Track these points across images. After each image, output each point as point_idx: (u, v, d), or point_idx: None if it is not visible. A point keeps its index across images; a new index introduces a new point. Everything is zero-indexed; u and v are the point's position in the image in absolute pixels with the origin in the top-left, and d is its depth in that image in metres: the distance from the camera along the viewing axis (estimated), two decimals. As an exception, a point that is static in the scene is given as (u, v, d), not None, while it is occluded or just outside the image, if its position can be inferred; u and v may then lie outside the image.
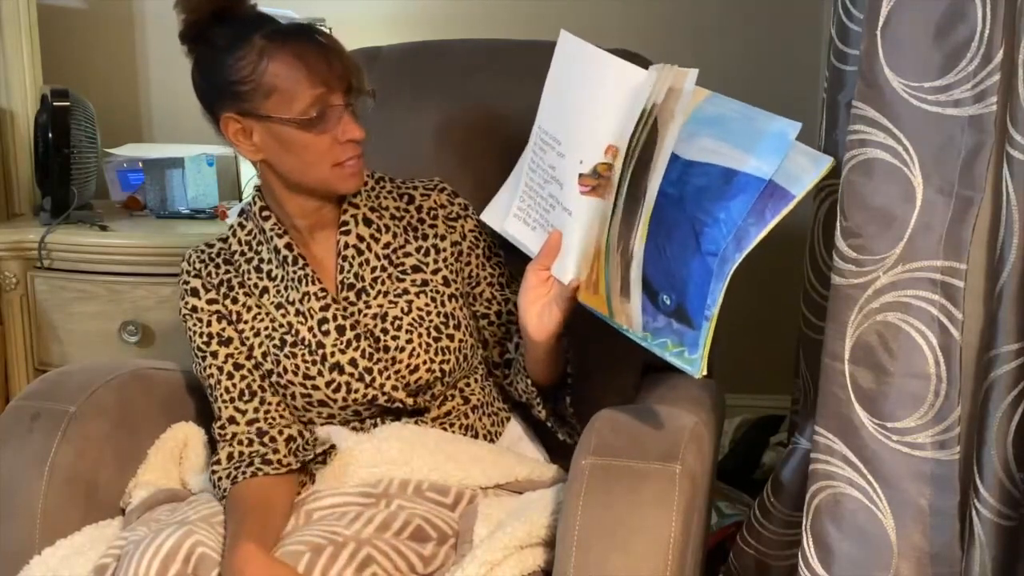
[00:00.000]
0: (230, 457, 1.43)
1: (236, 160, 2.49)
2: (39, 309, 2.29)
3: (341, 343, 1.45)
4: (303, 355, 1.45)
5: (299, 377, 1.45)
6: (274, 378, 1.47)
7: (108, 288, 2.25)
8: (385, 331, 1.46)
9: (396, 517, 1.34)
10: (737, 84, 2.46)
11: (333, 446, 1.46)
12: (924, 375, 1.28)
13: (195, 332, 1.48)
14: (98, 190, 2.51)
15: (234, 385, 1.46)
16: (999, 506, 1.24)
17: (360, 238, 1.48)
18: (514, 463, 1.49)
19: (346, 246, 1.48)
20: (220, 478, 1.41)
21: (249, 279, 1.49)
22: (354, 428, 1.49)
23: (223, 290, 1.49)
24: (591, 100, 1.24)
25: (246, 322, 1.48)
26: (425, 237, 1.52)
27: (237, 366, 1.47)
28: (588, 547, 1.23)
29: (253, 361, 1.47)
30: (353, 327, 1.45)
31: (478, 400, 1.55)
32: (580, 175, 1.27)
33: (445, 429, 1.52)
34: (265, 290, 1.48)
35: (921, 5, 1.23)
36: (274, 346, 1.46)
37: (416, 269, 1.50)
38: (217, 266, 1.50)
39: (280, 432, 1.45)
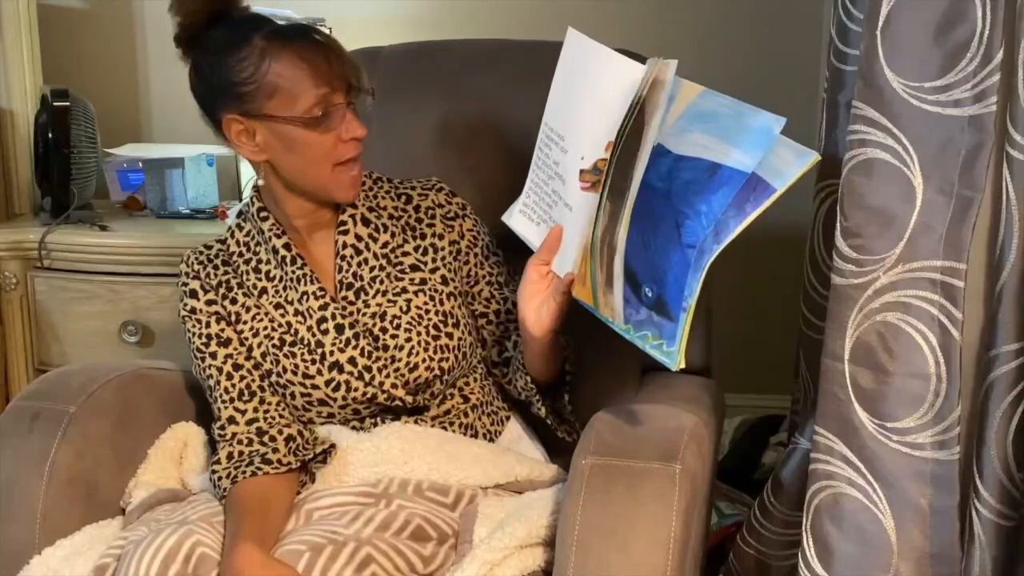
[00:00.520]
0: (230, 457, 1.43)
1: (236, 160, 2.49)
2: (39, 309, 2.29)
3: (340, 342, 1.45)
4: (302, 354, 1.45)
5: (298, 376, 1.45)
6: (273, 378, 1.47)
7: (108, 288, 2.25)
8: (384, 330, 1.46)
9: (396, 517, 1.34)
10: (737, 84, 2.46)
11: (333, 445, 1.46)
12: (924, 375, 1.28)
13: (194, 333, 1.48)
14: (98, 190, 2.51)
15: (233, 385, 1.46)
16: (999, 506, 1.24)
17: (358, 238, 1.48)
18: (514, 463, 1.49)
19: (344, 246, 1.48)
20: (220, 478, 1.42)
21: (248, 280, 1.49)
22: (354, 427, 1.50)
23: (222, 291, 1.49)
24: (594, 97, 1.24)
25: (245, 322, 1.48)
26: (423, 236, 1.52)
27: (236, 366, 1.47)
28: (588, 547, 1.23)
29: (252, 361, 1.47)
30: (352, 326, 1.46)
31: (477, 399, 1.56)
32: (581, 171, 1.27)
33: (445, 428, 1.52)
34: (264, 290, 1.48)
35: (921, 5, 1.23)
36: (273, 346, 1.46)
37: (414, 268, 1.50)
38: (216, 267, 1.50)
39: (280, 432, 1.45)
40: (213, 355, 1.47)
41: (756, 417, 2.53)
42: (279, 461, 1.42)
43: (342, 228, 1.48)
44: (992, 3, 1.19)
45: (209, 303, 1.48)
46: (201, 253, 1.52)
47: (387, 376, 1.45)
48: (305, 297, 1.46)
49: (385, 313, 1.46)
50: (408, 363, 1.45)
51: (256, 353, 1.47)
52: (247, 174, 2.48)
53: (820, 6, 2.47)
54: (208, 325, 1.48)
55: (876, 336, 1.30)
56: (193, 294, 1.49)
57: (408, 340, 1.45)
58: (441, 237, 1.52)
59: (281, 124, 1.37)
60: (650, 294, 1.20)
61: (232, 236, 1.52)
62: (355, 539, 1.29)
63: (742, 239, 1.16)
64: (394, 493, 1.39)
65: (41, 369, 2.27)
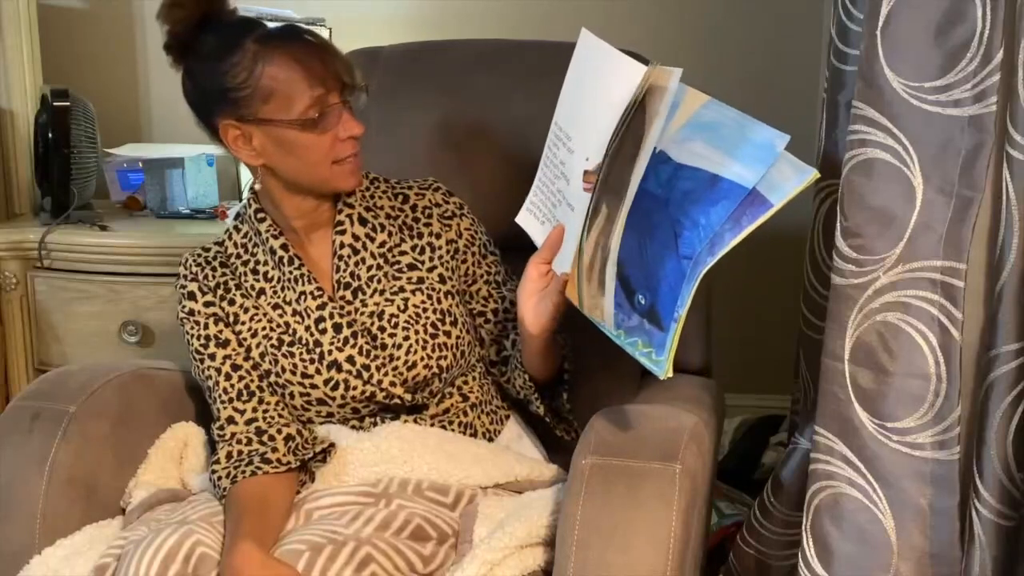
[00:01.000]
0: (229, 456, 1.43)
1: (236, 160, 2.48)
2: (39, 309, 2.29)
3: (338, 341, 1.45)
4: (301, 354, 1.45)
5: (297, 376, 1.45)
6: (272, 378, 1.47)
7: (108, 288, 2.25)
8: (382, 329, 1.46)
9: (396, 516, 1.34)
10: (737, 84, 2.47)
11: (332, 444, 1.46)
12: (924, 375, 1.28)
13: (193, 335, 1.49)
14: (98, 190, 2.51)
15: (232, 386, 1.47)
16: (999, 506, 1.24)
17: (356, 237, 1.48)
18: (514, 462, 1.49)
19: (342, 245, 1.48)
20: (220, 477, 1.42)
21: (246, 281, 1.49)
22: (353, 427, 1.50)
23: (220, 292, 1.49)
24: (601, 99, 1.24)
25: (243, 323, 1.48)
26: (420, 236, 1.52)
27: (235, 367, 1.47)
28: (588, 547, 1.23)
29: (251, 362, 1.48)
30: (350, 325, 1.46)
31: (477, 398, 1.56)
32: (585, 172, 1.27)
33: (444, 427, 1.52)
34: (262, 291, 1.49)
35: (921, 5, 1.23)
36: (272, 346, 1.46)
37: (412, 267, 1.50)
38: (214, 269, 1.50)
39: (279, 431, 1.45)
40: (212, 356, 1.47)
41: (756, 417, 2.53)
42: (278, 460, 1.42)
43: (339, 228, 1.48)
44: (992, 3, 1.19)
45: (207, 305, 1.48)
46: (199, 255, 1.52)
47: (385, 375, 1.45)
48: (303, 297, 1.46)
49: (383, 312, 1.47)
50: (406, 361, 1.45)
51: (255, 353, 1.47)
52: (247, 174, 2.47)
53: (820, 6, 2.47)
54: (206, 327, 1.48)
55: (876, 336, 1.30)
56: (191, 296, 1.49)
57: (406, 339, 1.46)
58: (438, 236, 1.52)
59: (278, 127, 1.37)
60: (643, 301, 1.20)
61: (230, 238, 1.52)
62: (355, 539, 1.29)
63: (742, 239, 1.16)
64: (394, 493, 1.39)
65: (41, 369, 2.27)
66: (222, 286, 1.49)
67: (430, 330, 1.47)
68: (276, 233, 1.48)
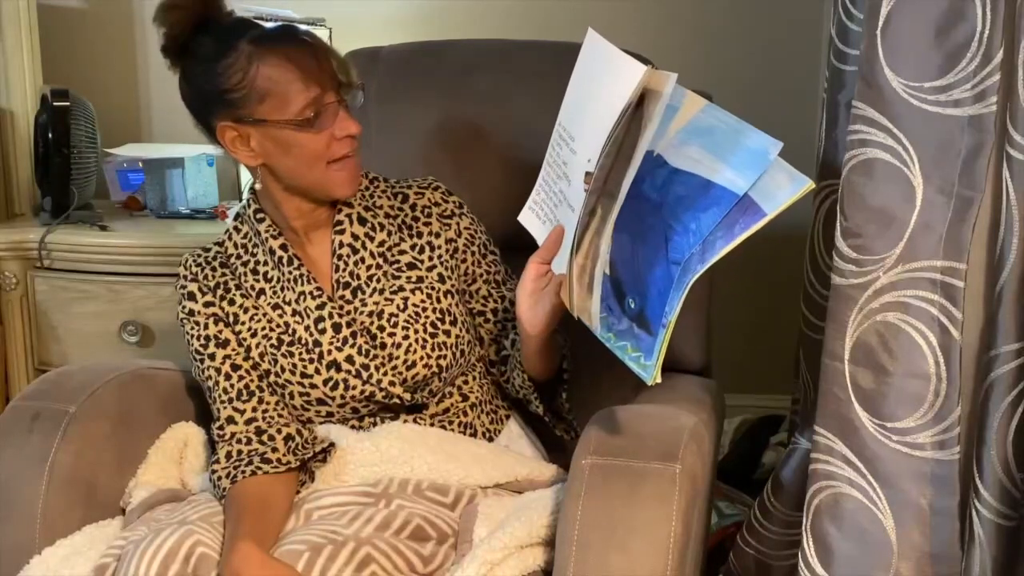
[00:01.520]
0: (229, 456, 1.43)
1: (235, 161, 2.49)
2: (39, 309, 2.29)
3: (337, 341, 1.45)
4: (300, 354, 1.45)
5: (297, 376, 1.45)
6: (272, 378, 1.47)
7: (108, 288, 2.25)
8: (381, 328, 1.46)
9: (396, 516, 1.34)
10: (737, 84, 2.47)
11: (332, 444, 1.46)
12: (924, 375, 1.28)
13: (193, 335, 1.49)
14: (98, 190, 2.51)
15: (232, 386, 1.47)
16: (999, 506, 1.24)
17: (355, 237, 1.48)
18: (514, 462, 1.49)
19: (341, 245, 1.48)
20: (220, 477, 1.42)
21: (246, 281, 1.49)
22: (353, 427, 1.50)
23: (219, 292, 1.49)
24: (603, 100, 1.24)
25: (243, 323, 1.48)
26: (420, 235, 1.52)
27: (235, 367, 1.47)
28: (588, 547, 1.23)
29: (251, 362, 1.48)
30: (349, 325, 1.46)
31: (477, 398, 1.56)
32: (586, 173, 1.27)
33: (444, 427, 1.52)
34: (262, 291, 1.49)
35: (921, 5, 1.23)
36: (271, 346, 1.46)
37: (411, 266, 1.50)
38: (213, 269, 1.50)
39: (278, 431, 1.45)
40: (212, 356, 1.47)
41: (756, 417, 2.53)
42: (278, 460, 1.42)
43: (338, 228, 1.48)
44: (992, 3, 1.19)
45: (207, 305, 1.49)
46: (199, 256, 1.52)
47: (385, 374, 1.45)
48: (302, 297, 1.46)
49: (382, 311, 1.47)
50: (406, 361, 1.45)
51: (254, 354, 1.47)
52: (247, 174, 2.47)
53: (820, 6, 2.47)
54: (206, 327, 1.48)
55: (876, 336, 1.30)
56: (191, 296, 1.49)
57: (405, 338, 1.46)
58: (438, 235, 1.53)
59: (274, 127, 1.37)
60: (633, 305, 1.20)
61: (229, 239, 1.53)
62: (355, 539, 1.29)
63: (734, 247, 1.15)
64: (394, 493, 1.39)
65: (41, 369, 2.27)
66: (222, 286, 1.49)
67: (429, 329, 1.47)
68: (275, 233, 1.48)
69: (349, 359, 1.45)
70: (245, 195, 1.54)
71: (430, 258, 1.51)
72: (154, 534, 1.29)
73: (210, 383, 1.48)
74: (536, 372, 1.46)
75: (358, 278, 1.48)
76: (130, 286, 2.24)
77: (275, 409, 1.47)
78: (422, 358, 1.46)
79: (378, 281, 1.48)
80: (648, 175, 1.19)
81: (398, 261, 1.50)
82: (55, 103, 2.30)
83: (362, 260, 1.48)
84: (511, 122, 1.73)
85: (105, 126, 2.52)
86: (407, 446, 1.44)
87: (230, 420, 1.46)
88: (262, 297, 1.49)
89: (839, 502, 1.35)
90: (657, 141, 1.18)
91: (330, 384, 1.45)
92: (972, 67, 1.21)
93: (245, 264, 1.50)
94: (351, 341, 1.45)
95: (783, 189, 1.10)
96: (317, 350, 1.45)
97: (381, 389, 1.45)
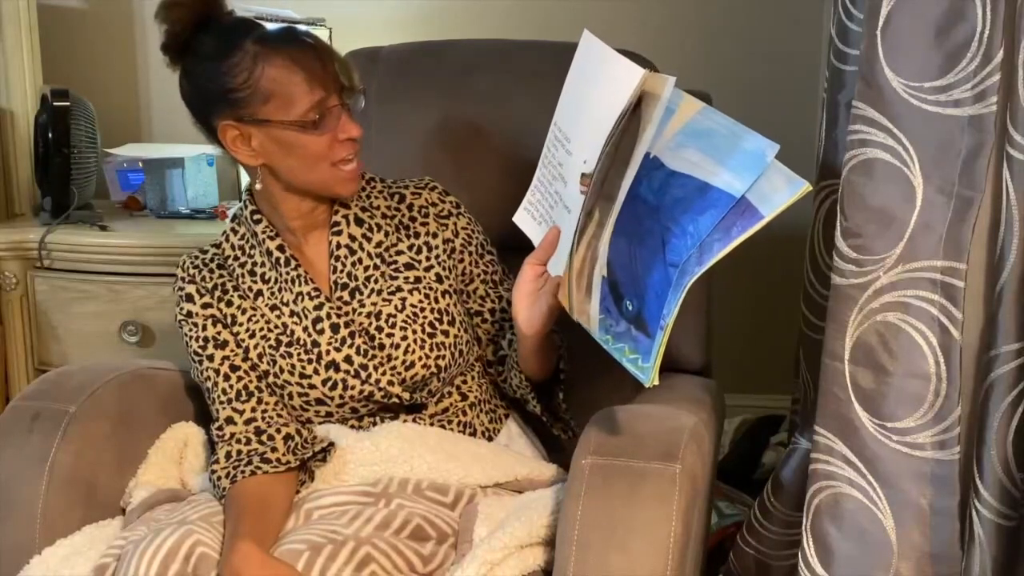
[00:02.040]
0: (228, 456, 1.43)
1: (236, 162, 2.49)
2: (39, 309, 2.29)
3: (336, 341, 1.45)
4: (299, 354, 1.45)
5: (295, 376, 1.45)
6: (271, 379, 1.47)
7: (108, 288, 2.25)
8: (380, 328, 1.46)
9: (396, 516, 1.34)
10: (737, 84, 2.47)
11: (332, 444, 1.46)
12: (924, 375, 1.28)
13: (191, 337, 1.49)
14: (98, 190, 2.51)
15: (231, 386, 1.47)
16: (999, 506, 1.24)
17: (352, 238, 1.48)
18: (514, 462, 1.49)
19: (338, 246, 1.48)
20: (219, 477, 1.42)
21: (243, 282, 1.49)
22: (352, 427, 1.50)
23: (217, 294, 1.49)
24: (600, 101, 1.24)
25: (241, 324, 1.48)
26: (417, 235, 1.52)
27: (233, 368, 1.47)
28: (588, 547, 1.23)
29: (249, 363, 1.48)
30: (347, 325, 1.46)
31: (476, 397, 1.56)
32: (582, 175, 1.27)
33: (443, 426, 1.52)
34: (259, 292, 1.49)
35: (921, 5, 1.23)
36: (270, 347, 1.46)
37: (409, 267, 1.50)
38: (211, 271, 1.50)
39: (278, 431, 1.45)
40: (210, 357, 1.48)
41: (756, 417, 2.53)
42: (278, 460, 1.42)
43: (335, 228, 1.48)
44: (992, 3, 1.19)
45: (205, 306, 1.49)
46: (196, 258, 1.52)
47: (383, 374, 1.45)
48: (300, 298, 1.46)
49: (380, 312, 1.47)
50: (404, 361, 1.45)
51: (253, 354, 1.47)
52: (247, 174, 2.48)
53: (820, 6, 2.47)
54: (204, 328, 1.48)
55: (876, 336, 1.30)
56: (189, 298, 1.49)
57: (404, 338, 1.46)
58: (435, 236, 1.53)
59: (277, 128, 1.37)
60: (631, 307, 1.20)
61: (227, 240, 1.53)
62: (354, 538, 1.29)
63: (732, 250, 1.15)
64: (394, 492, 1.39)
65: (41, 369, 2.27)
66: (219, 288, 1.49)
67: (428, 329, 1.47)
68: (272, 234, 1.48)
69: (348, 359, 1.45)
70: (242, 197, 1.54)
71: (427, 258, 1.51)
72: (154, 534, 1.29)
73: (209, 384, 1.48)
74: (533, 372, 1.46)
75: (356, 279, 1.48)
76: (130, 286, 2.24)
77: (274, 409, 1.47)
78: (420, 358, 1.46)
79: (376, 282, 1.48)
80: (645, 177, 1.19)
81: (396, 261, 1.50)
82: (55, 103, 2.30)
83: (360, 261, 1.48)
84: (511, 122, 1.73)
85: (105, 126, 2.52)
86: (407, 445, 1.44)
87: (229, 420, 1.46)
88: (260, 298, 1.49)
89: (839, 502, 1.35)
90: (654, 143, 1.18)
91: (329, 384, 1.45)
92: (972, 67, 1.21)
93: (243, 265, 1.50)
94: (349, 341, 1.45)
95: (780, 192, 1.10)
96: (316, 350, 1.45)
97: (380, 389, 1.45)
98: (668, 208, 1.17)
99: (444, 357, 1.48)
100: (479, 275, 1.55)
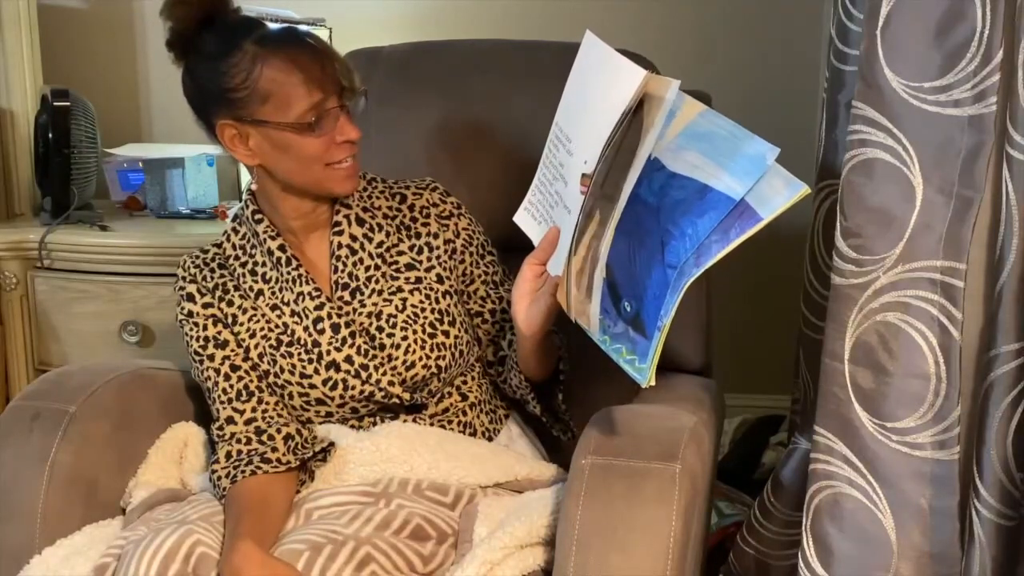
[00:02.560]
0: (228, 456, 1.43)
1: (236, 160, 2.49)
2: (39, 309, 2.29)
3: (336, 341, 1.45)
4: (299, 354, 1.45)
5: (296, 376, 1.45)
6: (271, 379, 1.47)
7: (108, 288, 2.25)
8: (380, 328, 1.46)
9: (396, 516, 1.34)
10: (738, 84, 2.47)
11: (332, 444, 1.46)
12: (924, 375, 1.28)
13: (192, 336, 1.49)
14: (98, 190, 2.51)
15: (231, 386, 1.47)
16: (999, 506, 1.24)
17: (353, 238, 1.48)
18: (514, 462, 1.49)
19: (339, 246, 1.48)
20: (220, 477, 1.42)
21: (244, 282, 1.49)
22: (353, 426, 1.50)
23: (218, 294, 1.49)
24: (601, 102, 1.24)
25: (242, 324, 1.48)
26: (418, 236, 1.52)
27: (234, 367, 1.47)
28: (588, 546, 1.23)
29: (250, 363, 1.48)
30: (348, 325, 1.46)
31: (476, 397, 1.56)
32: (583, 175, 1.27)
33: (443, 427, 1.52)
34: (260, 292, 1.49)
35: (921, 5, 1.23)
36: (270, 347, 1.46)
37: (410, 267, 1.50)
38: (212, 271, 1.50)
39: (278, 431, 1.45)
40: (211, 357, 1.48)
41: (756, 417, 2.53)
42: (278, 460, 1.42)
43: (337, 228, 1.48)
44: (992, 3, 1.20)
45: (206, 306, 1.49)
46: (197, 257, 1.52)
47: (384, 374, 1.45)
48: (301, 298, 1.46)
49: (381, 312, 1.47)
50: (405, 361, 1.45)
51: (253, 354, 1.47)
52: (247, 174, 2.48)
53: (820, 6, 2.47)
54: (205, 328, 1.48)
55: (876, 336, 1.30)
56: (190, 298, 1.49)
57: (404, 338, 1.46)
58: (436, 236, 1.53)
59: (274, 129, 1.37)
60: (629, 308, 1.20)
61: (228, 240, 1.53)
62: (354, 538, 1.29)
63: (730, 251, 1.15)
64: (394, 492, 1.39)
65: (41, 369, 2.27)
66: (220, 287, 1.50)
67: (428, 330, 1.47)
68: (274, 234, 1.48)
69: (348, 359, 1.45)
70: (243, 196, 1.54)
71: (428, 259, 1.51)
72: (154, 534, 1.29)
73: (209, 384, 1.48)
74: (533, 372, 1.47)
75: (357, 279, 1.48)
76: (130, 286, 2.24)
77: (275, 409, 1.47)
78: (421, 358, 1.46)
79: (377, 282, 1.48)
80: (645, 179, 1.19)
81: (396, 262, 1.50)
82: (55, 103, 2.30)
83: (361, 261, 1.48)
84: (511, 122, 1.73)
85: (105, 126, 2.52)
86: (407, 445, 1.44)
87: (230, 420, 1.46)
88: (260, 298, 1.49)
89: (839, 502, 1.35)
90: (654, 147, 1.18)
91: (329, 384, 1.45)
92: (972, 67, 1.21)
93: (243, 265, 1.50)
94: (350, 341, 1.45)
95: (779, 194, 1.10)
96: (316, 350, 1.45)
97: (380, 389, 1.45)
98: (668, 210, 1.17)
99: (444, 357, 1.48)
100: (480, 276, 1.55)
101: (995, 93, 1.21)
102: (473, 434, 1.55)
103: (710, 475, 1.42)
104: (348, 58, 1.66)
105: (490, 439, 1.57)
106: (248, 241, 1.51)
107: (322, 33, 2.44)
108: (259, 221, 1.48)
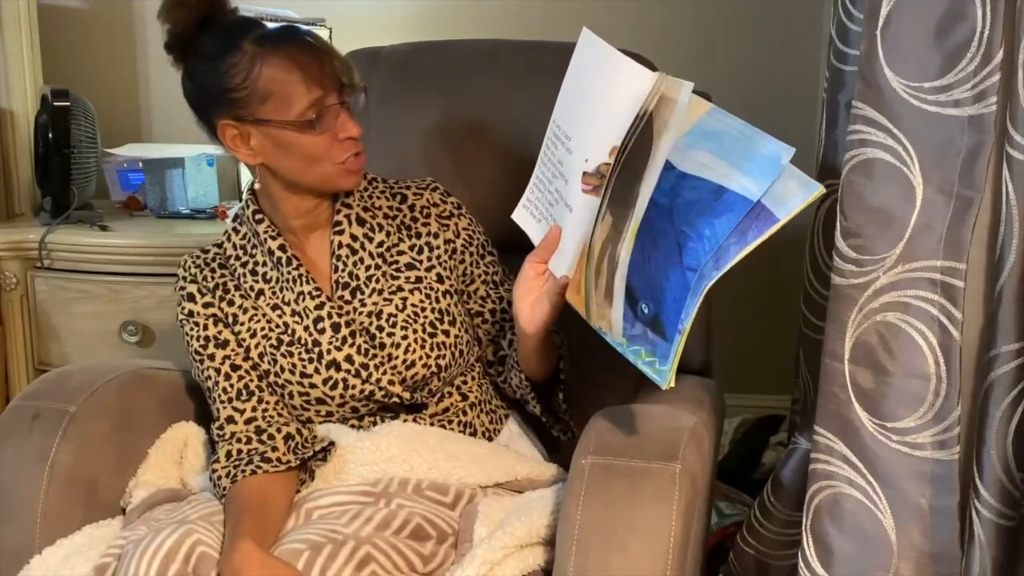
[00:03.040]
0: (229, 456, 1.43)
1: (236, 160, 2.49)
2: (39, 309, 2.29)
3: (336, 340, 1.45)
4: (299, 353, 1.45)
5: (296, 375, 1.45)
6: (271, 378, 1.47)
7: (108, 288, 2.25)
8: (380, 328, 1.46)
9: (396, 516, 1.34)
10: (738, 84, 2.47)
11: (332, 443, 1.46)
12: (924, 375, 1.28)
13: (192, 336, 1.49)
14: (98, 190, 2.51)
15: (231, 386, 1.47)
16: (999, 506, 1.24)
17: (353, 237, 1.48)
18: (514, 462, 1.49)
19: (340, 246, 1.48)
20: (220, 477, 1.42)
21: (244, 282, 1.50)
22: (353, 426, 1.50)
23: (219, 293, 1.49)
24: (601, 99, 1.24)
25: (242, 324, 1.48)
26: (418, 235, 1.52)
27: (234, 367, 1.47)
28: (588, 546, 1.23)
29: (250, 362, 1.48)
30: (348, 324, 1.46)
31: (476, 397, 1.56)
32: (584, 173, 1.27)
33: (444, 426, 1.52)
34: (261, 292, 1.49)
35: (921, 5, 1.23)
36: (271, 346, 1.46)
37: (410, 267, 1.50)
38: (212, 270, 1.50)
39: (278, 430, 1.45)
40: (211, 357, 1.48)
41: (756, 417, 2.53)
42: (278, 459, 1.42)
43: (337, 228, 1.48)
44: (992, 3, 1.19)
45: (206, 306, 1.49)
46: (197, 257, 1.52)
47: (384, 374, 1.45)
48: (301, 297, 1.46)
49: (381, 312, 1.47)
50: (405, 360, 1.46)
51: (254, 354, 1.47)
52: (247, 174, 2.48)
53: (820, 6, 2.47)
54: (206, 328, 1.48)
55: (876, 336, 1.30)
56: (190, 298, 1.49)
57: (404, 338, 1.46)
58: (436, 236, 1.53)
59: (275, 128, 1.37)
60: (647, 311, 1.20)
61: (228, 239, 1.53)
62: (355, 538, 1.29)
63: (748, 253, 1.15)
64: (394, 492, 1.39)
65: (41, 369, 2.27)
66: (221, 287, 1.50)
67: (428, 329, 1.47)
68: (274, 234, 1.48)
69: (348, 359, 1.45)
70: (244, 196, 1.54)
71: (429, 258, 1.51)
72: (154, 533, 1.29)
73: (210, 383, 1.48)
74: (533, 372, 1.47)
75: (357, 278, 1.48)
76: (130, 286, 2.24)
77: (275, 408, 1.47)
78: (421, 358, 1.46)
79: (377, 281, 1.48)
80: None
81: (397, 261, 1.50)
82: (55, 103, 2.30)
83: (361, 260, 1.48)
84: (511, 122, 1.73)
85: (105, 126, 2.52)
86: (407, 445, 1.44)
87: (230, 420, 1.46)
88: (261, 298, 1.49)
89: (839, 502, 1.35)
90: (670, 150, 1.18)
91: (329, 384, 1.45)
92: (972, 67, 1.21)
93: (244, 265, 1.50)
94: (350, 341, 1.45)
95: (794, 195, 1.11)
96: (316, 350, 1.45)
97: (380, 388, 1.45)
98: (681, 210, 1.17)
99: (444, 357, 1.48)
100: (480, 276, 1.55)
101: (995, 93, 1.21)
102: (473, 434, 1.55)
103: (710, 475, 1.42)
104: (348, 58, 1.66)
105: (490, 439, 1.57)
106: (249, 241, 1.51)
107: (322, 33, 2.44)
108: (260, 221, 1.48)
